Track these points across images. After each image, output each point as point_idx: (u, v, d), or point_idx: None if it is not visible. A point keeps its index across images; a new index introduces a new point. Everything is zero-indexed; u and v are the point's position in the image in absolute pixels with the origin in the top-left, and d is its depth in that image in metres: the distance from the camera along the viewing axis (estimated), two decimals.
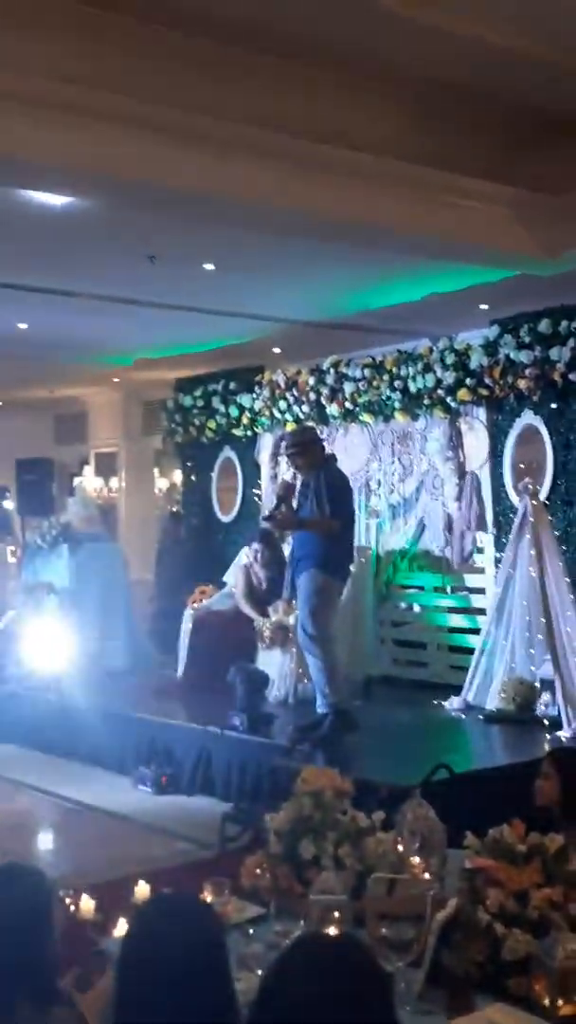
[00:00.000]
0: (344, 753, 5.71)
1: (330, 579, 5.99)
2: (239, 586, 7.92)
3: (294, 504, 6.17)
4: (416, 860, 2.81)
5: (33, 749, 7.69)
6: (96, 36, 5.15)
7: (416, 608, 8.22)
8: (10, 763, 7.32)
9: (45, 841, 5.95)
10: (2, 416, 14.61)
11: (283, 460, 9.07)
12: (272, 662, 7.22)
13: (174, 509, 11.42)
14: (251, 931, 2.74)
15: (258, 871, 3.01)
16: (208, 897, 2.82)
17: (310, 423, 8.68)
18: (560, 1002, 2.27)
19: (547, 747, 5.49)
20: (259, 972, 2.33)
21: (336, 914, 2.64)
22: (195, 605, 8.20)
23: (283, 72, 5.79)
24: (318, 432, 6.73)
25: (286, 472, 6.78)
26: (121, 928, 3.31)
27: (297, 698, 7.14)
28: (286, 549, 8.38)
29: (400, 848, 2.88)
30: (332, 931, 2.54)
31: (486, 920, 2.42)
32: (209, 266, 7.78)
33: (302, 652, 7.17)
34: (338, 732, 5.90)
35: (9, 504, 15.09)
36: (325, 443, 6.59)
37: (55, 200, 6.40)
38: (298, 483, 6.34)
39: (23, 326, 9.66)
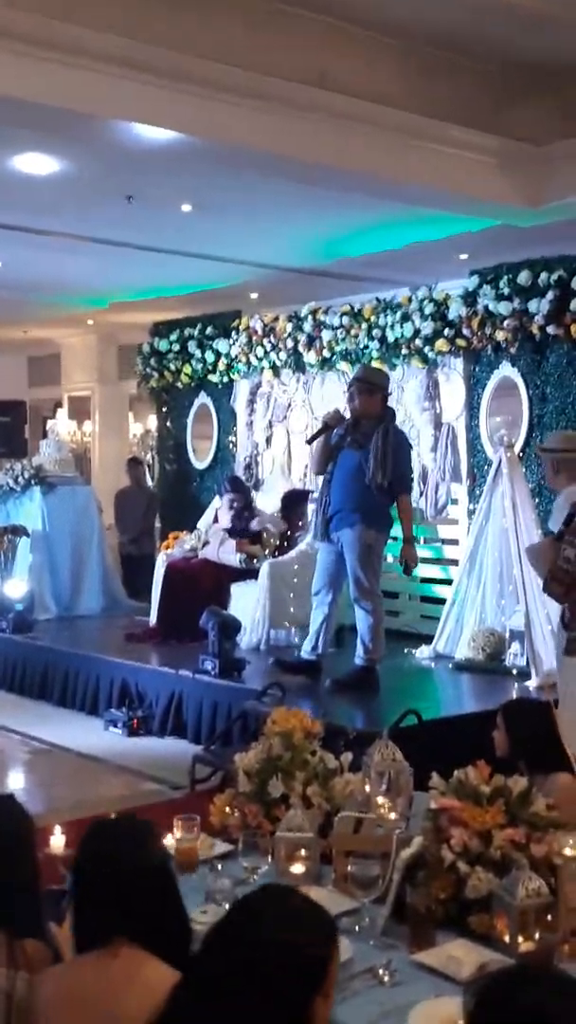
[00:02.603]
0: (315, 697, 5.78)
1: (378, 534, 5.96)
2: (215, 528, 8.01)
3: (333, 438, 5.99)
4: (382, 800, 2.86)
5: (5, 690, 7.73)
6: None
7: (389, 558, 8.25)
8: None
9: (15, 780, 5.98)
10: None
11: (258, 407, 9.06)
12: (245, 608, 7.26)
13: (132, 455, 11.41)
14: (219, 867, 2.78)
15: (227, 809, 3.06)
16: (178, 833, 2.87)
17: (287, 370, 8.65)
18: (520, 939, 2.33)
19: (515, 696, 5.58)
20: (226, 906, 2.38)
21: (303, 851, 2.70)
22: (168, 551, 8.21)
23: (268, 12, 5.68)
24: (388, 380, 6.34)
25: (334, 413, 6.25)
26: None
27: (269, 644, 7.19)
28: (265, 499, 8.43)
29: (367, 788, 2.94)
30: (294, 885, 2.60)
31: (450, 859, 2.48)
32: (187, 207, 7.67)
33: (275, 598, 7.24)
34: (367, 687, 5.92)
35: None
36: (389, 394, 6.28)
37: (40, 170, 6.45)
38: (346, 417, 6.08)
39: None
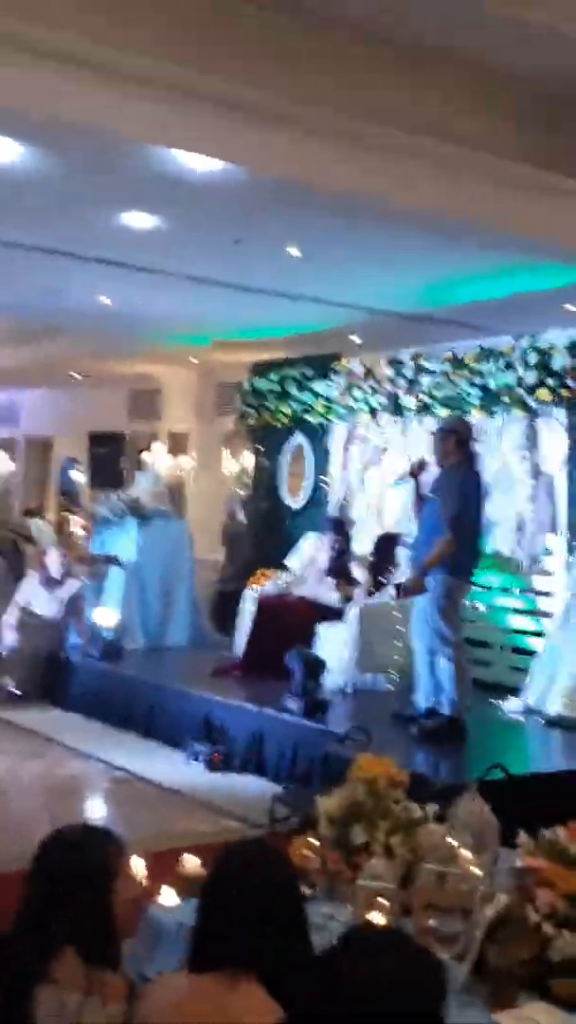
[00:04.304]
0: (399, 745, 5.69)
1: (458, 581, 5.92)
2: (314, 567, 8.02)
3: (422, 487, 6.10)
4: (467, 855, 2.79)
5: (91, 718, 7.80)
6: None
7: (481, 607, 8.14)
8: (68, 729, 7.43)
9: (94, 808, 6.03)
10: (79, 390, 14.80)
11: (354, 450, 9.09)
12: (331, 649, 7.22)
13: (245, 492, 11.48)
14: None
15: (307, 853, 3.02)
16: None
17: (384, 413, 8.65)
18: None
19: None
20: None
21: (383, 900, 2.65)
22: (255, 587, 8.23)
23: (377, 62, 5.75)
24: (467, 428, 6.28)
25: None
26: (167, 897, 3.35)
27: (355, 687, 7.13)
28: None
29: (452, 841, 2.87)
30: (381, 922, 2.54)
31: (535, 920, 2.40)
32: (294, 251, 7.76)
33: (365, 641, 7.18)
34: (444, 737, 5.80)
35: (80, 476, 15.30)
36: (472, 441, 6.22)
37: (145, 224, 6.72)
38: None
39: (107, 302, 9.75)
